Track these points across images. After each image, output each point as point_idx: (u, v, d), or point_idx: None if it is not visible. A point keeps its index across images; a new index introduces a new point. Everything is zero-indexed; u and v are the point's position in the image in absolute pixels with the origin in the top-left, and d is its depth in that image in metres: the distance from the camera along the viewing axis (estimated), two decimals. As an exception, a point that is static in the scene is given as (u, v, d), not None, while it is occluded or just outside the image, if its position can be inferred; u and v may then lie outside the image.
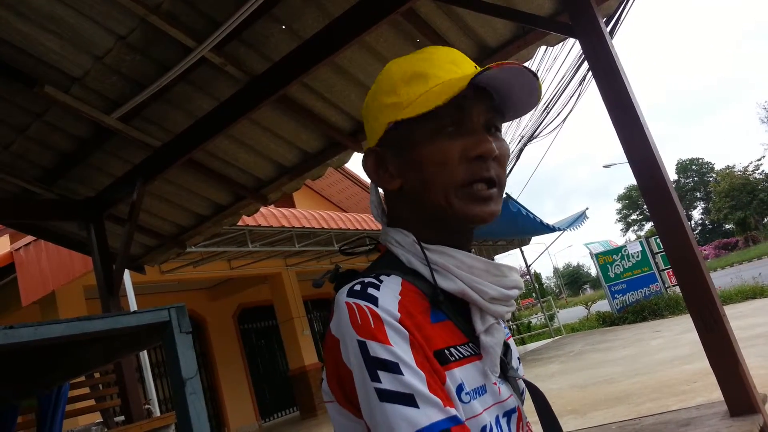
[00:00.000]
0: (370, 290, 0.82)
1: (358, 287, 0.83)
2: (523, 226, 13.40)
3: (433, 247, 0.90)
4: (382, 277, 0.85)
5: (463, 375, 0.83)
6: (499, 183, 0.90)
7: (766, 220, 59.98)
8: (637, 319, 15.23)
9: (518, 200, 12.01)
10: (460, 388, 0.81)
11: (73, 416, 4.94)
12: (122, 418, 5.04)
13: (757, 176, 61.73)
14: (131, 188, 4.15)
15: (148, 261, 5.53)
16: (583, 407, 5.97)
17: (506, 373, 0.92)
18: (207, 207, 4.94)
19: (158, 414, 6.76)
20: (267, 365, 14.37)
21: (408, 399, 0.74)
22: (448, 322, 0.87)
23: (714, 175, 71.81)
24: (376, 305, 0.79)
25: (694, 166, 77.52)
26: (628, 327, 14.55)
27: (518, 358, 1.04)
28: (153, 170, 4.05)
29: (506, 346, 0.97)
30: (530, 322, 22.33)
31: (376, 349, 0.76)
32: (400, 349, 0.77)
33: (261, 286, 12.79)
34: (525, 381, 0.96)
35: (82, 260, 7.25)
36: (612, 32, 5.44)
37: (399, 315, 0.79)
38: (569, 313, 30.00)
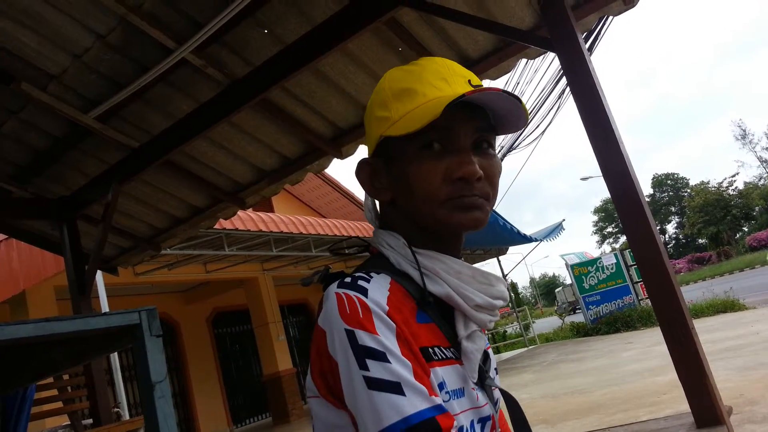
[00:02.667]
0: (361, 282, 0.83)
1: (348, 279, 0.84)
2: (501, 236, 13.48)
3: (423, 251, 0.91)
4: (372, 274, 0.86)
5: (444, 374, 0.84)
6: (486, 197, 0.91)
7: (738, 235, 61.11)
8: (610, 330, 15.40)
9: (496, 210, 12.09)
10: (441, 386, 0.82)
11: (41, 418, 4.84)
12: (90, 421, 4.96)
13: (731, 192, 62.93)
14: (106, 189, 4.10)
15: (122, 262, 5.46)
16: (555, 417, 6.01)
17: (483, 381, 0.94)
18: (183, 209, 4.90)
19: (127, 418, 6.66)
20: (241, 370, 14.24)
21: (395, 387, 0.75)
22: (432, 325, 0.88)
23: (689, 191, 73.02)
24: (366, 296, 0.81)
25: (669, 181, 78.80)
26: (601, 338, 14.71)
27: (495, 368, 1.06)
28: (129, 171, 4.01)
29: (485, 355, 0.98)
30: (505, 332, 22.45)
31: (364, 338, 0.77)
32: (387, 339, 0.78)
33: (237, 291, 12.69)
34: (501, 390, 0.98)
35: (54, 260, 7.14)
36: (591, 48, 5.53)
37: (387, 308, 0.81)
38: (544, 323, 30.22)
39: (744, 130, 62.03)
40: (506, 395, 0.97)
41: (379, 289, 0.83)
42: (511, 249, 19.45)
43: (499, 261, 19.21)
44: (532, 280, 79.77)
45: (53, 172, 4.36)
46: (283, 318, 13.40)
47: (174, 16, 3.13)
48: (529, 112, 0.93)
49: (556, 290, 56.79)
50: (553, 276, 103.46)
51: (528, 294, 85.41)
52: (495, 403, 0.96)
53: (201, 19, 3.15)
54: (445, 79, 0.91)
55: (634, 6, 3.23)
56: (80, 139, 3.97)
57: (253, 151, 4.31)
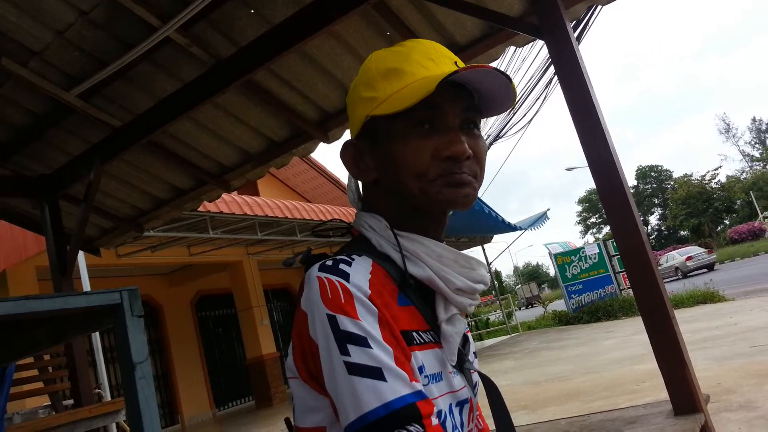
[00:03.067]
0: (342, 266, 0.83)
1: (330, 263, 0.84)
2: (486, 224, 13.54)
3: (405, 234, 0.91)
4: (353, 256, 0.86)
5: (423, 359, 0.84)
6: (475, 176, 0.92)
7: (720, 228, 61.91)
8: (592, 319, 15.57)
9: (482, 198, 12.13)
10: (420, 370, 0.83)
11: (20, 398, 4.81)
12: (71, 402, 4.93)
13: (714, 185, 63.64)
14: (88, 168, 4.05)
15: (104, 243, 5.41)
16: (535, 403, 6.08)
17: (462, 365, 0.94)
18: (167, 191, 4.85)
19: (109, 399, 6.64)
20: (224, 354, 14.24)
21: (376, 372, 0.75)
22: (412, 308, 0.88)
23: (672, 183, 73.76)
24: (347, 280, 0.80)
25: (653, 173, 79.51)
26: (583, 327, 14.87)
27: (474, 352, 1.07)
28: (112, 150, 3.96)
29: (464, 338, 0.99)
30: (488, 319, 22.62)
31: (346, 323, 0.77)
32: (368, 324, 0.78)
33: (221, 274, 12.65)
34: (480, 374, 0.99)
35: (36, 240, 7.07)
36: (579, 37, 5.53)
37: (369, 291, 0.80)
38: (527, 312, 30.48)
39: (728, 124, 62.79)
40: (485, 379, 0.98)
41: (360, 272, 0.83)
42: (496, 237, 19.59)
43: (483, 249, 19.31)
44: (516, 268, 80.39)
45: (34, 149, 4.29)
46: (267, 302, 13.40)
47: (159, -7, 3.08)
48: (517, 96, 0.92)
49: (516, 287, 57.70)
50: (537, 265, 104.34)
51: (512, 282, 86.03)
52: (474, 387, 0.97)
53: (187, -2, 3.10)
54: (432, 60, 0.91)
55: (623, -5, 3.23)
56: (62, 116, 3.91)
57: (239, 133, 4.27)
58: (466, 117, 0.91)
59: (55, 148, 4.28)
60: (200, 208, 5.77)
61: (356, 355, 0.75)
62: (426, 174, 0.88)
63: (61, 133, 4.11)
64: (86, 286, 7.34)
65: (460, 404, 0.90)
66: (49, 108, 3.86)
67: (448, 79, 0.83)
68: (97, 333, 7.36)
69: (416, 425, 0.73)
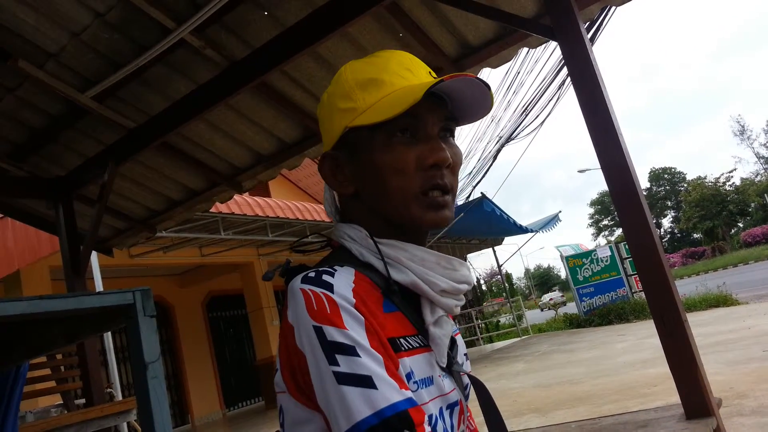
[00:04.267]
0: (325, 277, 0.83)
1: (312, 274, 0.83)
2: (497, 226, 13.53)
3: (386, 241, 0.91)
4: (336, 267, 0.86)
5: (412, 364, 0.84)
6: (452, 190, 0.93)
7: (733, 231, 61.34)
8: (603, 322, 15.48)
9: (494, 200, 12.10)
10: (408, 377, 0.83)
11: (33, 397, 4.86)
12: (83, 401, 4.97)
13: (728, 188, 63.07)
14: (102, 169, 4.08)
15: (117, 244, 5.45)
16: (546, 406, 6.05)
17: (451, 367, 0.94)
18: (180, 192, 4.88)
19: (120, 398, 6.68)
20: (234, 354, 14.29)
21: (366, 381, 0.74)
22: (399, 314, 0.88)
23: (685, 185, 73.16)
24: (332, 291, 0.80)
25: (666, 175, 78.91)
26: (594, 330, 14.79)
27: (465, 354, 1.07)
28: (126, 152, 3.99)
29: (452, 341, 0.99)
30: (499, 321, 22.55)
31: (333, 334, 0.77)
32: (356, 333, 0.77)
33: (232, 275, 12.70)
34: (469, 376, 0.99)
35: (50, 240, 7.13)
36: (593, 38, 5.51)
37: (354, 300, 0.80)
38: (538, 314, 30.36)
39: (742, 126, 62.15)
40: (475, 381, 0.98)
41: (344, 283, 0.82)
42: (507, 239, 19.52)
43: (494, 251, 19.27)
44: (526, 270, 79.98)
45: (49, 151, 4.33)
46: (278, 303, 13.42)
47: (173, -5, 3.10)
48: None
49: (543, 296, 58.01)
50: (548, 267, 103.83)
51: (522, 285, 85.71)
52: (465, 388, 0.97)
53: (200, 0, 3.12)
54: (409, 70, 0.92)
55: (636, -3, 3.21)
56: (77, 118, 3.95)
57: (251, 134, 4.29)
58: (443, 125, 0.92)
59: (70, 150, 4.32)
60: (212, 209, 5.80)
61: (345, 364, 0.75)
62: (410, 186, 0.88)
63: (75, 135, 4.15)
64: (99, 286, 7.40)
65: (451, 407, 0.90)
66: (64, 110, 3.89)
67: (434, 87, 0.83)
68: (109, 333, 7.42)
69: None
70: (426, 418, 0.77)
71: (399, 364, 0.81)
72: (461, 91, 0.89)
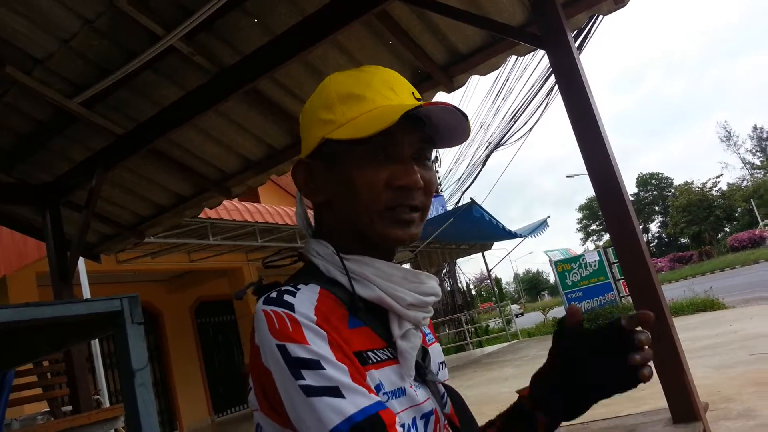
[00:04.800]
0: (286, 297, 0.84)
1: (274, 295, 0.85)
2: (486, 231, 13.55)
3: (352, 257, 0.92)
4: (299, 286, 0.87)
5: (381, 376, 0.85)
6: (423, 209, 0.94)
7: (720, 235, 61.84)
8: (592, 326, 15.51)
9: (483, 206, 12.14)
10: (378, 388, 0.83)
11: (19, 404, 4.81)
12: (70, 408, 4.92)
13: (715, 193, 63.62)
14: (90, 175, 4.06)
15: (105, 250, 5.42)
16: (535, 412, 6.06)
17: (424, 377, 0.95)
18: (168, 197, 4.86)
19: (108, 405, 6.62)
20: (223, 360, 14.20)
21: (333, 391, 0.75)
22: (365, 328, 0.89)
23: (673, 190, 73.72)
24: (293, 311, 0.81)
25: (653, 181, 79.52)
26: (583, 335, 14.82)
27: (441, 363, 1.08)
28: (114, 158, 3.97)
29: (424, 351, 1.00)
30: (488, 326, 22.57)
31: (296, 350, 0.78)
32: (318, 347, 0.78)
33: (221, 280, 12.64)
34: (444, 385, 0.99)
35: (36, 246, 7.06)
36: (580, 46, 5.56)
37: (316, 318, 0.81)
38: (527, 319, 30.45)
39: (729, 132, 62.82)
40: (448, 389, 0.98)
41: (306, 302, 0.83)
42: (496, 244, 19.55)
43: (483, 256, 19.32)
44: (516, 275, 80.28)
45: (37, 157, 4.30)
46: (267, 309, 13.35)
47: (163, 2, 3.10)
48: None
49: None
50: (537, 272, 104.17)
51: (512, 290, 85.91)
52: (442, 397, 0.97)
53: (190, 6, 3.12)
54: (392, 89, 0.93)
55: (624, 5, 3.25)
56: (65, 124, 3.93)
57: (241, 140, 4.29)
58: (419, 147, 0.93)
59: (58, 156, 4.29)
60: (201, 215, 5.77)
61: (311, 378, 0.76)
62: (377, 202, 0.89)
63: (64, 141, 4.13)
64: (86, 292, 7.34)
65: (425, 417, 0.90)
66: (52, 116, 3.87)
67: (412, 113, 0.85)
68: (97, 339, 7.36)
69: None
70: (399, 428, 0.77)
71: (366, 376, 0.82)
72: (439, 115, 0.91)
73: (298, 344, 0.78)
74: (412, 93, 0.95)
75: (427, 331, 1.08)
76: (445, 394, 0.98)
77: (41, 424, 4.48)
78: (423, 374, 0.94)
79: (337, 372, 0.77)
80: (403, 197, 0.90)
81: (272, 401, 0.82)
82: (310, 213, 1.08)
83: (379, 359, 0.87)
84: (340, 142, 0.90)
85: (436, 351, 1.07)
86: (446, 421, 0.96)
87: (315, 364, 0.77)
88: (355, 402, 0.75)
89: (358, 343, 0.85)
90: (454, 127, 0.93)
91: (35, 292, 8.39)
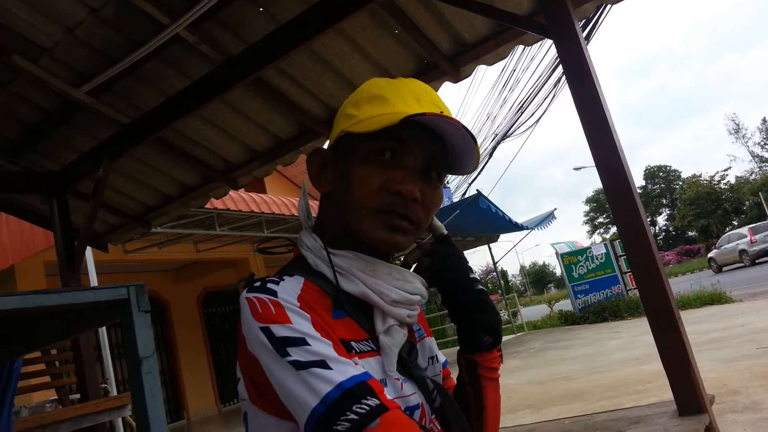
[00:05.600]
0: (270, 285, 0.86)
1: (258, 284, 0.87)
2: (492, 224, 13.53)
3: (339, 252, 0.94)
4: (284, 277, 0.90)
5: (365, 365, 0.86)
6: (417, 222, 0.94)
7: (728, 228, 61.53)
8: (598, 319, 15.52)
9: (489, 198, 12.12)
10: None
11: (28, 392, 4.86)
12: (78, 396, 4.97)
13: (723, 186, 63.24)
14: (97, 164, 4.07)
15: (112, 239, 5.44)
16: (540, 402, 6.07)
17: (410, 372, 0.95)
18: (175, 187, 4.87)
19: (115, 394, 6.68)
20: (230, 350, 14.27)
21: (321, 363, 0.77)
22: (348, 319, 0.91)
23: (681, 183, 73.34)
24: (275, 296, 0.84)
25: (661, 173, 79.11)
26: (589, 327, 14.83)
27: (432, 358, 1.08)
28: (120, 147, 3.98)
29: (411, 346, 1.00)
30: (494, 318, 22.52)
31: (280, 330, 0.80)
32: (302, 326, 0.80)
33: (227, 271, 12.68)
34: (432, 380, 0.99)
35: (44, 235, 7.11)
36: (588, 36, 5.53)
37: (298, 304, 0.83)
38: (533, 311, 30.43)
39: (737, 125, 62.27)
40: (436, 385, 0.99)
41: (289, 290, 0.86)
42: (502, 237, 19.52)
43: (489, 248, 19.27)
44: (522, 268, 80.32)
45: (44, 146, 4.32)
46: (273, 299, 13.39)
47: (168, -9, 3.09)
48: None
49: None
50: (543, 265, 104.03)
51: (518, 282, 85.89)
52: (431, 393, 0.97)
53: (196, -5, 3.11)
54: (418, 100, 0.95)
55: (632, -5, 3.22)
56: (71, 113, 3.93)
57: (246, 130, 4.29)
58: (429, 164, 0.95)
59: (65, 145, 4.31)
60: (207, 205, 5.79)
61: (297, 354, 0.78)
62: (368, 202, 0.91)
63: (70, 130, 4.14)
64: (93, 281, 7.38)
65: (410, 410, 0.91)
66: (58, 105, 3.88)
67: (412, 118, 0.86)
68: (104, 328, 7.41)
69: (372, 398, 0.75)
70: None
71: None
72: (453, 136, 0.92)
73: (281, 324, 0.80)
74: (441, 112, 0.95)
75: (417, 326, 1.08)
76: (435, 389, 0.99)
77: (50, 411, 4.52)
78: (409, 369, 0.95)
79: (322, 346, 0.79)
80: (397, 204, 0.91)
81: (260, 388, 0.83)
82: (315, 206, 1.10)
83: (362, 350, 0.89)
84: (354, 137, 0.93)
85: (426, 346, 1.08)
86: (433, 416, 0.97)
87: (299, 341, 0.79)
88: (343, 371, 0.77)
89: (342, 333, 0.87)
90: (464, 152, 0.95)
91: (43, 281, 8.45)
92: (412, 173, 0.93)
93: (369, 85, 0.99)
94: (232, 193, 7.38)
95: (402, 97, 0.94)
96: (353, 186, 0.92)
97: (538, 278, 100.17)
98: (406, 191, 0.90)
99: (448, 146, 0.95)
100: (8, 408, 2.74)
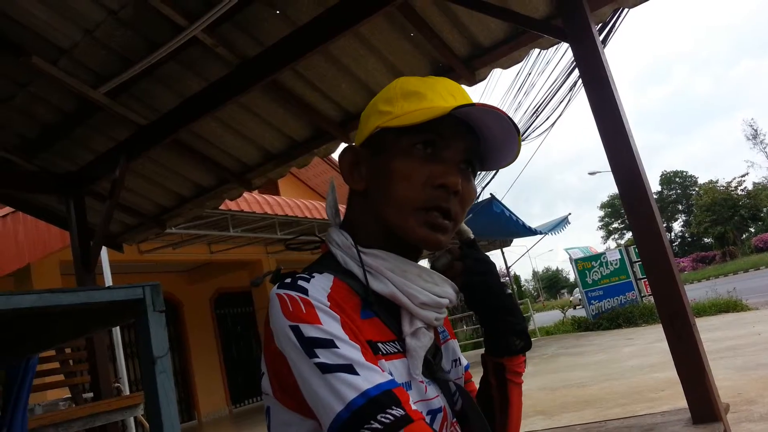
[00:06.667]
0: (300, 282, 0.86)
1: (288, 280, 0.87)
2: (506, 228, 13.47)
3: (369, 251, 0.94)
4: (314, 274, 0.89)
5: (391, 368, 0.86)
6: (455, 218, 0.95)
7: (744, 236, 60.81)
8: (612, 326, 15.40)
9: (503, 201, 12.07)
10: None
11: (42, 390, 4.90)
12: (91, 395, 5.00)
13: (740, 192, 62.53)
14: (114, 165, 4.11)
15: (127, 239, 5.48)
16: (552, 409, 6.03)
17: (434, 375, 0.95)
18: (189, 188, 4.90)
19: (128, 393, 6.72)
20: (241, 351, 14.34)
21: (347, 368, 0.77)
22: (376, 320, 0.90)
23: (697, 189, 72.60)
24: (306, 294, 0.83)
25: (677, 179, 78.39)
26: (602, 333, 14.72)
27: (455, 360, 1.08)
28: (137, 148, 4.01)
29: (436, 349, 1.00)
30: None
31: (309, 330, 0.79)
32: (331, 327, 0.80)
33: (240, 272, 12.74)
34: (455, 384, 0.99)
35: (60, 235, 7.18)
36: (605, 40, 5.49)
37: (329, 303, 0.83)
38: (546, 317, 30.27)
39: (755, 130, 61.37)
40: (459, 388, 0.99)
41: (319, 288, 0.85)
42: (516, 241, 19.44)
43: (502, 252, 19.19)
44: (534, 273, 79.89)
45: (61, 146, 4.36)
46: (286, 301, 13.40)
47: (186, -7, 3.11)
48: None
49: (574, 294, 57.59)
50: (557, 270, 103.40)
51: (530, 287, 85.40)
52: (453, 396, 0.97)
53: (213, -2, 3.13)
54: (453, 96, 0.95)
55: (649, -1, 3.19)
56: (89, 114, 3.97)
57: (261, 132, 4.30)
58: (466, 158, 0.95)
59: (82, 146, 4.35)
60: (221, 207, 5.82)
61: (325, 356, 0.77)
62: (414, 198, 0.91)
63: (87, 131, 4.17)
64: (108, 281, 7.44)
65: (432, 413, 0.91)
66: (76, 106, 3.92)
67: (463, 109, 0.87)
68: (118, 328, 7.47)
69: (398, 409, 0.75)
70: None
71: (378, 363, 0.82)
72: (491, 128, 0.92)
73: (311, 325, 0.80)
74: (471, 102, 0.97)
75: (442, 328, 1.08)
76: (457, 392, 0.98)
77: (63, 409, 4.56)
78: (433, 372, 0.95)
79: (350, 350, 0.78)
80: (440, 198, 0.91)
81: (284, 384, 0.83)
82: (342, 207, 1.09)
83: (389, 351, 0.88)
84: (391, 131, 0.93)
85: (450, 348, 1.08)
86: (455, 419, 0.96)
87: (328, 343, 0.78)
88: (369, 378, 0.76)
89: (369, 333, 0.86)
90: (504, 144, 0.95)
91: (58, 280, 8.54)
92: (454, 165, 0.93)
93: (401, 83, 0.99)
94: (246, 194, 7.40)
95: (438, 93, 0.94)
96: (393, 181, 0.92)
97: (551, 283, 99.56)
98: (451, 183, 0.90)
99: (483, 138, 0.95)
100: (24, 404, 2.77)
